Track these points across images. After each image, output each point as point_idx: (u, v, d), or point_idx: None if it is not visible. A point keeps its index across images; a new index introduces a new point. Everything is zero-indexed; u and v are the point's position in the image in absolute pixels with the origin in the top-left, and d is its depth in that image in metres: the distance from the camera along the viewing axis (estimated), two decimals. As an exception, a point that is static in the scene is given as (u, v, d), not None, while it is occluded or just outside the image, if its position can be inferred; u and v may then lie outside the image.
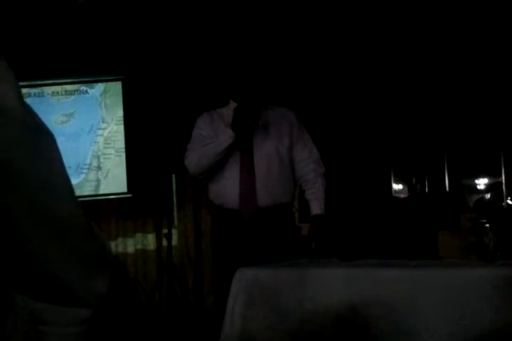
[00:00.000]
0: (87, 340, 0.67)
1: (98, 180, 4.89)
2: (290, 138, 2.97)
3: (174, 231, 4.83)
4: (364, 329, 1.97)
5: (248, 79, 2.94)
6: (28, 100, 0.63)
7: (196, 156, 2.92)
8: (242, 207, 2.85)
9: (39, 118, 0.65)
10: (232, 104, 2.98)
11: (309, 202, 2.97)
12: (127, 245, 5.21)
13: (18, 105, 0.61)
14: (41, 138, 0.64)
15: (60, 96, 4.94)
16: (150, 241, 5.22)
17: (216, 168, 2.91)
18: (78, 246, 0.65)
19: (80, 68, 4.93)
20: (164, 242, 4.70)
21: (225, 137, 2.83)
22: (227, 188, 2.88)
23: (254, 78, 2.95)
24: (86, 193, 4.73)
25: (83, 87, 4.96)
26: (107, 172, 4.89)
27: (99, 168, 4.89)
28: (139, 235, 5.24)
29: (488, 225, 2.25)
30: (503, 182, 5.94)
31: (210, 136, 2.94)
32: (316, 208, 2.92)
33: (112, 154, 4.91)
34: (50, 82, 4.94)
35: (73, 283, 0.65)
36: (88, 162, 4.89)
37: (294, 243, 2.95)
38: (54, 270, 0.64)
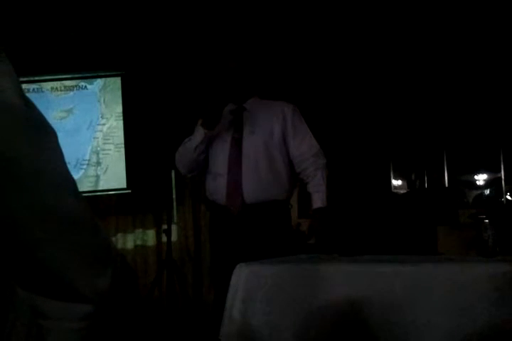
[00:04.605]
0: (89, 336, 0.67)
1: (97, 176, 4.88)
2: (283, 133, 2.95)
3: (174, 227, 4.83)
4: (364, 324, 1.98)
5: (240, 79, 2.95)
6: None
7: (178, 155, 3.02)
8: (228, 203, 2.87)
9: (41, 114, 0.65)
10: (231, 105, 2.99)
11: (311, 196, 2.95)
12: (127, 241, 5.22)
13: (20, 101, 0.61)
14: (43, 135, 0.64)
15: (59, 92, 4.93)
16: (149, 237, 5.23)
17: (201, 167, 2.98)
18: (81, 242, 0.65)
19: (79, 64, 4.92)
20: (164, 238, 4.70)
21: (197, 134, 2.90)
22: (217, 185, 2.92)
23: (247, 77, 2.96)
24: (85, 189, 4.73)
25: (82, 83, 4.96)
26: (106, 168, 4.88)
27: (98, 163, 4.89)
28: (138, 231, 5.24)
29: (487, 220, 2.25)
30: (503, 177, 5.95)
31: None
32: (317, 201, 2.90)
33: (111, 150, 4.90)
34: (49, 77, 4.93)
35: (75, 279, 0.65)
36: (87, 158, 4.89)
37: (285, 241, 2.93)
38: (56, 266, 0.64)
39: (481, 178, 6.65)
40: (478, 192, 6.55)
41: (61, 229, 0.63)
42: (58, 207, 0.63)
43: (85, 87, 4.95)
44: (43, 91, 4.91)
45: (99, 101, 4.94)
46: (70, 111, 4.91)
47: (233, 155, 2.91)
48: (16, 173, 0.59)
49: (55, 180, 0.63)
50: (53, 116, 4.77)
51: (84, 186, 4.76)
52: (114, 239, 5.09)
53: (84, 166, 4.87)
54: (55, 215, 0.63)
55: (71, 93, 4.95)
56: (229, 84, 2.97)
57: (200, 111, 2.89)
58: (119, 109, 4.92)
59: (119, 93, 4.93)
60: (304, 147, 2.96)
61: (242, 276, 2.20)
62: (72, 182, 0.66)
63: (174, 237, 4.85)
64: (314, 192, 2.93)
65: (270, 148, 2.92)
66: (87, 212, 0.67)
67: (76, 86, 4.95)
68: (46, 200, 0.62)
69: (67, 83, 4.95)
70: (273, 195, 2.90)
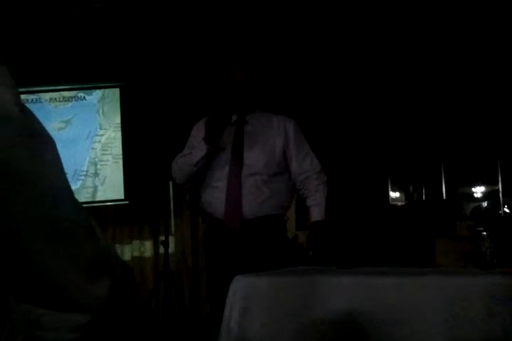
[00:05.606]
0: None
1: (95, 187, 4.88)
2: (284, 149, 2.96)
3: (171, 239, 4.82)
4: (361, 336, 1.97)
5: (243, 92, 2.94)
6: (25, 106, 0.63)
7: (177, 167, 2.98)
8: (227, 218, 2.86)
9: (40, 124, 0.65)
10: (234, 117, 2.97)
11: (310, 209, 2.95)
12: (124, 252, 5.20)
13: (17, 109, 0.61)
14: (41, 144, 0.64)
15: (57, 103, 4.94)
16: (147, 248, 5.21)
17: (198, 178, 2.96)
18: (79, 251, 0.65)
19: (77, 74, 4.93)
20: (161, 249, 4.69)
21: (199, 149, 2.86)
22: (215, 198, 2.90)
23: (250, 90, 2.96)
24: (83, 200, 4.71)
25: (81, 94, 4.96)
26: (104, 179, 4.88)
27: (96, 174, 4.88)
28: (135, 242, 5.22)
29: (485, 233, 2.25)
30: (500, 190, 5.95)
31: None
32: (317, 214, 2.91)
33: (109, 161, 4.90)
34: (48, 88, 4.94)
35: (72, 288, 0.65)
36: (85, 168, 4.88)
37: (282, 253, 2.93)
38: (53, 274, 0.64)
39: (478, 191, 6.66)
40: (476, 204, 6.56)
41: (59, 237, 0.63)
42: (56, 216, 0.63)
43: (84, 97, 4.96)
44: (41, 102, 4.91)
45: (97, 112, 4.95)
46: (68, 121, 4.91)
47: (233, 169, 2.89)
48: (13, 181, 0.59)
49: (53, 188, 0.63)
50: (52, 127, 4.77)
51: (81, 197, 4.75)
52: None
53: (82, 177, 4.86)
54: (52, 224, 0.63)
55: (70, 104, 4.95)
56: (232, 97, 2.96)
57: (207, 127, 2.85)
58: (118, 119, 4.93)
59: (118, 104, 4.94)
60: (307, 165, 2.97)
61: (239, 288, 2.20)
62: (70, 192, 0.66)
63: (171, 248, 4.83)
64: (314, 205, 2.93)
65: (270, 163, 2.91)
66: (86, 220, 0.67)
67: (75, 97, 4.96)
68: (44, 209, 0.62)
69: (66, 94, 4.95)
70: (271, 210, 2.89)
